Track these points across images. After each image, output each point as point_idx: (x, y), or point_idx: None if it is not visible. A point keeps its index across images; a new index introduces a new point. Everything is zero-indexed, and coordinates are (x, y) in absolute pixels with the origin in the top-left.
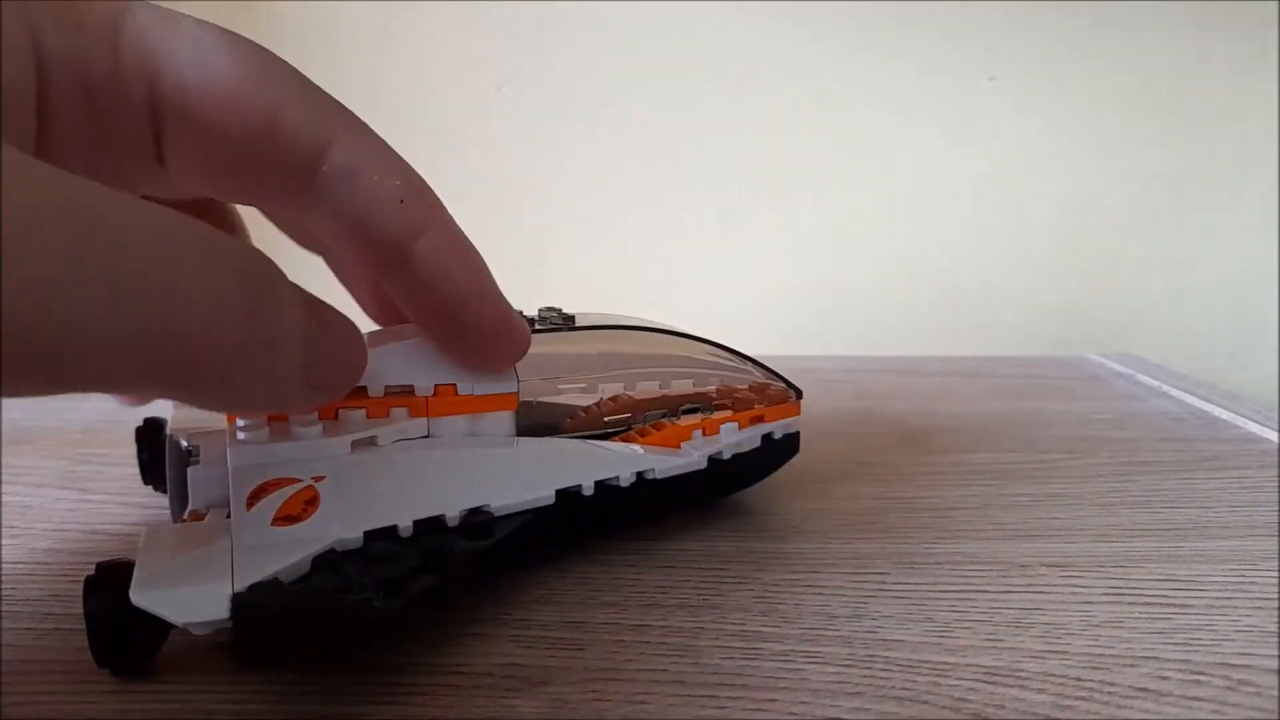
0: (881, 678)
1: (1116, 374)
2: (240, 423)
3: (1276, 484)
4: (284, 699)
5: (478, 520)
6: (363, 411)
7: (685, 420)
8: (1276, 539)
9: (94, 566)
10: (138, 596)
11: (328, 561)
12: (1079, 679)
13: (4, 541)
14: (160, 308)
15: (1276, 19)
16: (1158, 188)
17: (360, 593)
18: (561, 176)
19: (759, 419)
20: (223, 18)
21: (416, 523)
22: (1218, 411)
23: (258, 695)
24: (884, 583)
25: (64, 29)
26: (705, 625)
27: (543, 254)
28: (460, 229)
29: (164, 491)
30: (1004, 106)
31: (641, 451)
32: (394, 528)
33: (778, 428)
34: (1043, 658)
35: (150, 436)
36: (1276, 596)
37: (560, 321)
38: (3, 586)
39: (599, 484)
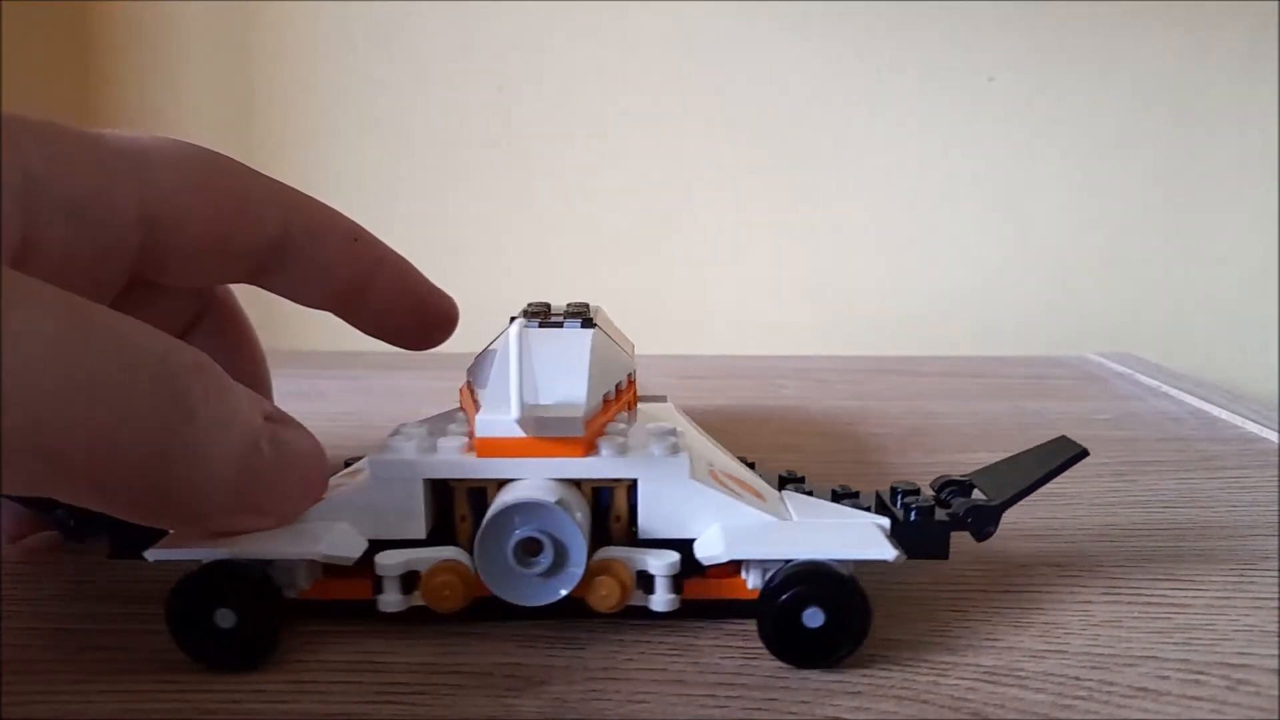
0: (881, 677)
1: (1116, 374)
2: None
3: (1276, 484)
4: (284, 699)
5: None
6: (626, 409)
7: None
8: (1276, 539)
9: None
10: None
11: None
12: (1078, 678)
13: (4, 542)
14: (84, 418)
15: (1276, 19)
16: (1158, 188)
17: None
18: (561, 177)
19: None
20: (223, 17)
21: None
22: (1217, 411)
23: (257, 695)
24: (884, 582)
25: (52, 156)
26: (705, 625)
27: (542, 254)
28: (396, 253)
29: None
30: (1004, 106)
31: None
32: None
33: None
34: (1042, 657)
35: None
36: (1276, 596)
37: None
38: (3, 586)
39: None
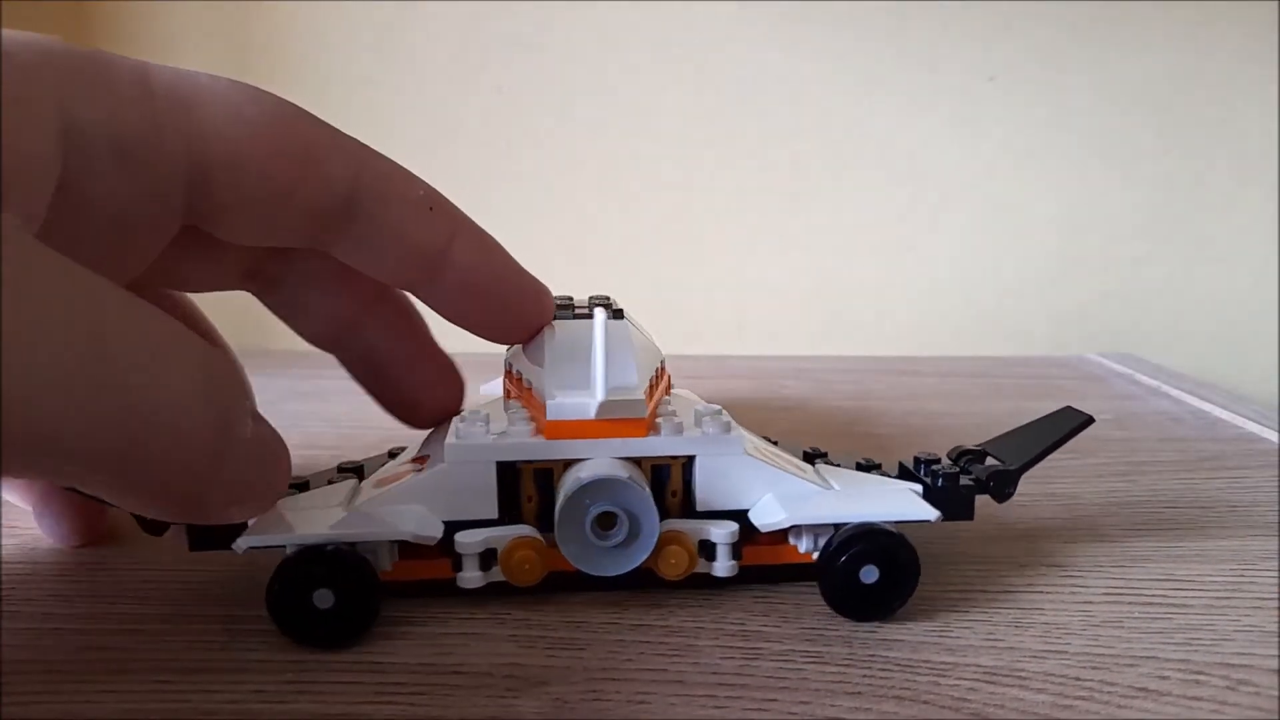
0: (881, 677)
1: (1116, 374)
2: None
3: (1276, 484)
4: (284, 699)
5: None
6: (665, 394)
7: None
8: (1276, 539)
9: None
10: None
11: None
12: (1079, 678)
13: (4, 541)
14: (130, 413)
15: (1276, 19)
16: (1157, 188)
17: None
18: (559, 178)
19: None
20: (223, 17)
21: None
22: (1217, 411)
23: (257, 695)
24: None
25: (95, 93)
26: (705, 625)
27: (541, 254)
28: (479, 226)
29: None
30: (1004, 106)
31: None
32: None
33: None
34: (1042, 657)
35: None
36: (1276, 596)
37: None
38: (3, 586)
39: None
